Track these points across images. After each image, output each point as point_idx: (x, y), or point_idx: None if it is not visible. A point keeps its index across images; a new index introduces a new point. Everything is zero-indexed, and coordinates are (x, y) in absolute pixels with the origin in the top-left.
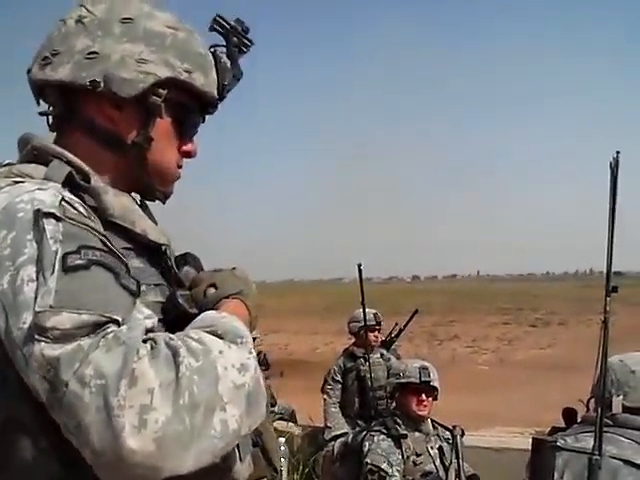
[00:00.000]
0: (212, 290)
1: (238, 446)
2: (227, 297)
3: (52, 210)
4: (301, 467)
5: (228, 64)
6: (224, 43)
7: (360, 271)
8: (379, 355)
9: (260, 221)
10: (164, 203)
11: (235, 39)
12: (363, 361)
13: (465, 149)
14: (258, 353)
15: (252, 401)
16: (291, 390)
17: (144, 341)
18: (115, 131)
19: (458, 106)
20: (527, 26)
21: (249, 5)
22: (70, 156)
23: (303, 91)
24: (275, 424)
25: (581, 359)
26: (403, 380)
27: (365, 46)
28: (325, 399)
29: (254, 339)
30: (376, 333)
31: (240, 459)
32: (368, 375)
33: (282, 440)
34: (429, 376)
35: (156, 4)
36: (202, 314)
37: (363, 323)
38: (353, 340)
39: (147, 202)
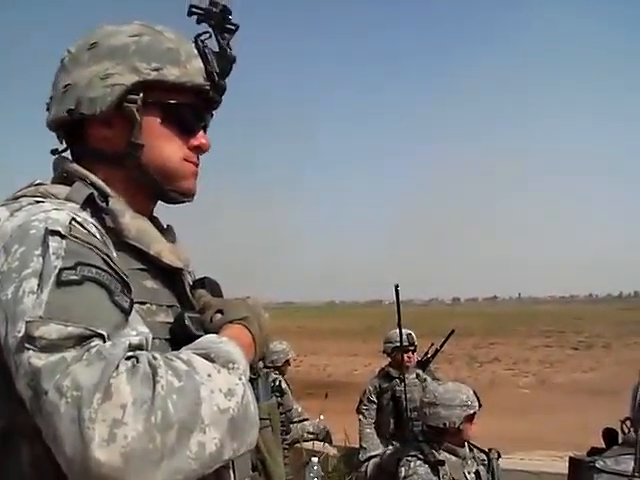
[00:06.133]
0: (219, 316)
1: (234, 468)
2: (232, 322)
3: (58, 228)
4: None
5: (214, 49)
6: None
7: (397, 292)
8: (415, 376)
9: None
10: (191, 200)
11: (217, 24)
12: (398, 382)
13: (507, 169)
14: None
15: (237, 425)
16: (329, 411)
17: (127, 358)
18: (111, 148)
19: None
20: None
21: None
22: (93, 178)
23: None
24: (310, 444)
25: (625, 383)
26: (472, 411)
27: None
28: (360, 419)
29: (287, 361)
30: (410, 354)
31: None
32: (404, 396)
33: (315, 460)
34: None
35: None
36: (201, 337)
37: (396, 344)
38: (389, 360)
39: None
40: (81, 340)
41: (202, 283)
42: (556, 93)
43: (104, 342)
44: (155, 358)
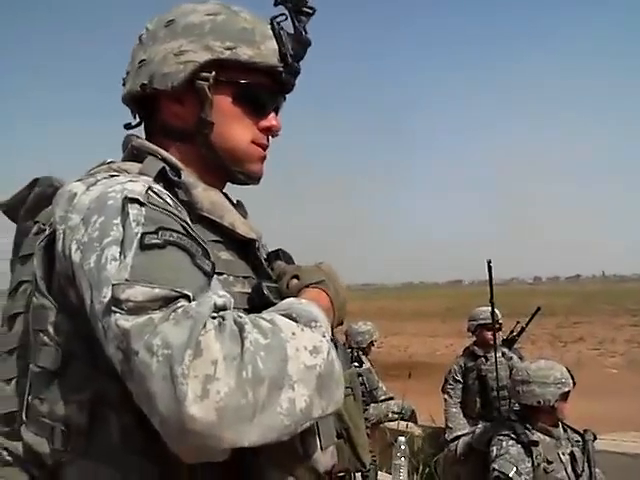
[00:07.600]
0: (295, 281)
1: (319, 434)
2: (308, 287)
3: (137, 196)
4: (421, 467)
5: (288, 31)
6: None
7: (490, 268)
8: (500, 354)
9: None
10: (257, 183)
11: (294, 6)
12: (484, 360)
13: (584, 149)
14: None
15: (324, 383)
16: (411, 392)
17: (213, 317)
18: (181, 125)
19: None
20: None
21: None
22: (164, 153)
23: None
24: (395, 424)
25: None
26: (567, 389)
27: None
28: (446, 399)
29: (371, 342)
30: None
31: (321, 448)
32: (489, 375)
33: (402, 439)
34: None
35: None
36: (282, 301)
37: (481, 322)
38: (474, 339)
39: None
40: (167, 301)
41: (277, 255)
42: None
43: (189, 302)
44: (240, 317)
